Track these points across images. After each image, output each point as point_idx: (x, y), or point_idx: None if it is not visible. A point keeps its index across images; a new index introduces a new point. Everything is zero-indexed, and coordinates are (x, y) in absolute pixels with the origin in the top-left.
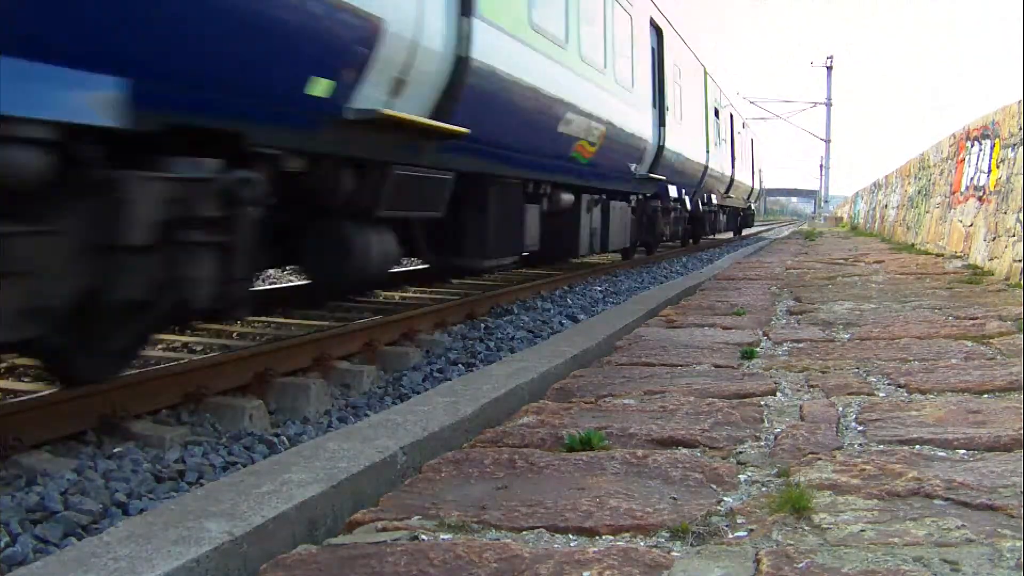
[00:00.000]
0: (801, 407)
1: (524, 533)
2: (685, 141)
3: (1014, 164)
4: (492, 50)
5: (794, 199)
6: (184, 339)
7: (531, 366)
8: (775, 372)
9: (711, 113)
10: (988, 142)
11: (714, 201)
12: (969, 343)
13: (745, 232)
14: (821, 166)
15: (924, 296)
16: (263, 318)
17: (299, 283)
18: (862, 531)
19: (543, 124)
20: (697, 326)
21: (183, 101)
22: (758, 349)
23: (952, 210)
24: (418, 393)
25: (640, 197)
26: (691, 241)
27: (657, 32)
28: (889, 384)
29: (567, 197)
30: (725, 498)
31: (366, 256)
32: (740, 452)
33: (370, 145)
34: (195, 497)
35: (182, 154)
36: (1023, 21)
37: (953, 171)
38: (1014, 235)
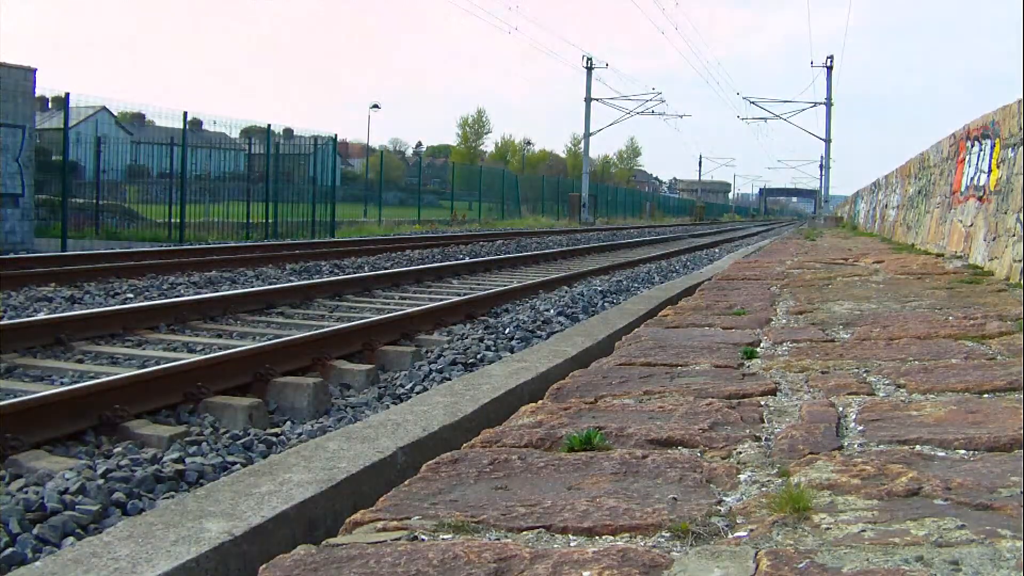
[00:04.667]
0: (801, 407)
1: (523, 533)
2: None
3: (1014, 164)
4: None
5: (794, 199)
6: (184, 339)
7: (531, 366)
8: (775, 372)
9: None
10: (988, 142)
11: None
12: (969, 343)
13: None
14: (821, 166)
15: (924, 296)
16: (263, 318)
17: (299, 283)
18: (862, 531)
19: None
20: (697, 326)
21: None
22: (758, 349)
23: (952, 210)
24: (418, 393)
25: None
26: None
27: None
28: (889, 384)
29: None
30: (725, 498)
31: None
32: (740, 452)
33: None
34: (195, 497)
35: None
36: (1023, 21)
37: (953, 171)
38: (1014, 235)
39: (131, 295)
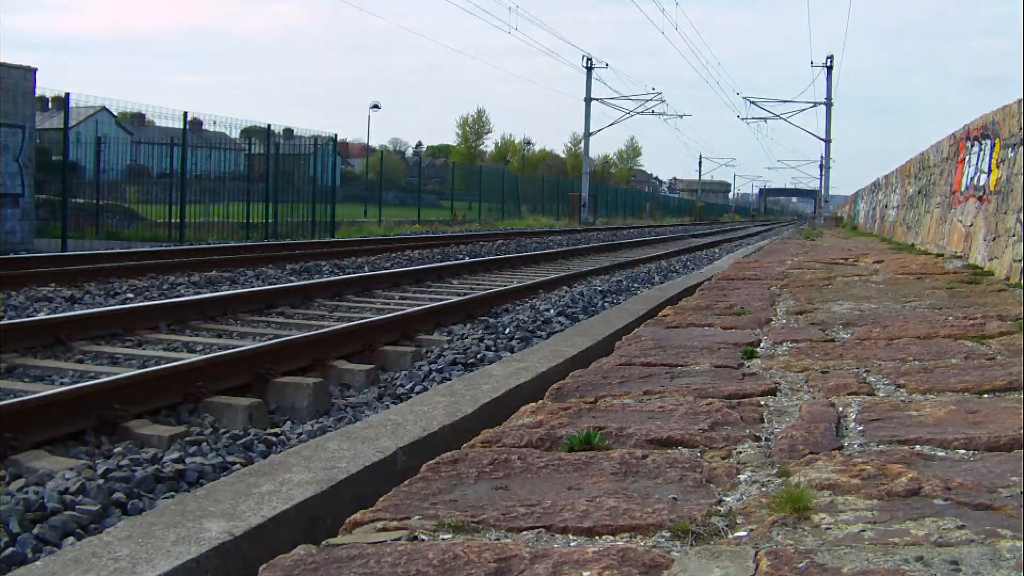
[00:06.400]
0: (801, 407)
1: (523, 533)
2: None
3: (1014, 164)
4: None
5: (794, 199)
6: (184, 339)
7: (531, 366)
8: (775, 372)
9: None
10: (988, 142)
11: None
12: (969, 343)
13: None
14: (821, 166)
15: (924, 296)
16: (263, 318)
17: (299, 283)
18: (862, 531)
19: None
20: (696, 326)
21: None
22: (758, 349)
23: (952, 210)
24: (418, 393)
25: None
26: None
27: None
28: (889, 384)
29: None
30: (725, 498)
31: None
32: (740, 452)
33: None
34: (195, 497)
35: None
36: (1023, 21)
37: (953, 171)
38: (1014, 235)
39: (131, 295)
